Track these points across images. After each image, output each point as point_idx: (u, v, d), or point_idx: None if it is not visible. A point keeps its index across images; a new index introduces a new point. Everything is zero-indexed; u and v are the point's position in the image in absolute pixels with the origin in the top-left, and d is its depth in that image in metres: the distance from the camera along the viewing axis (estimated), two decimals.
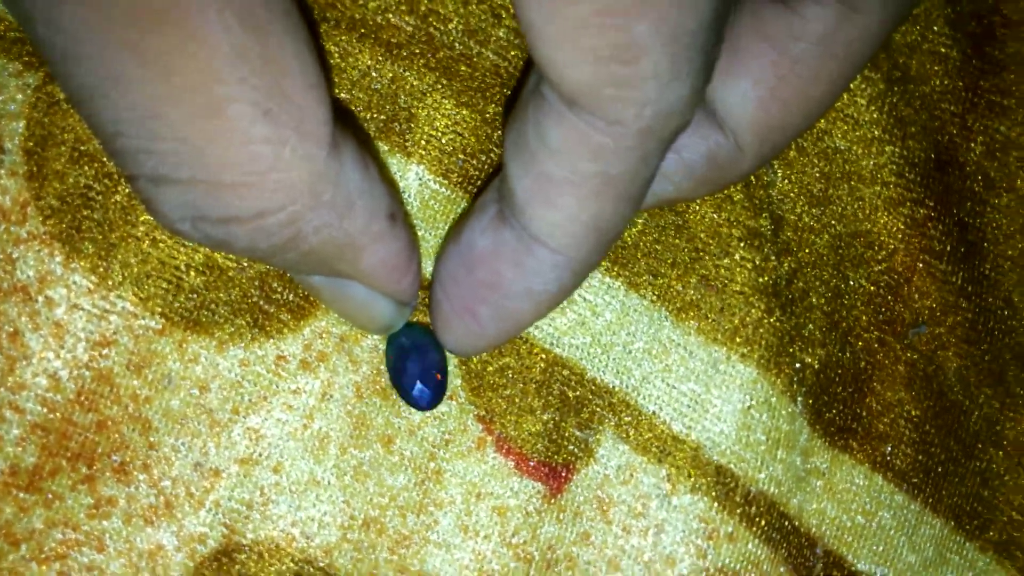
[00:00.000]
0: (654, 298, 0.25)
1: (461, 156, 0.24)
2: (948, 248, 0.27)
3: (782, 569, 0.25)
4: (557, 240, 0.20)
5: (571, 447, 0.25)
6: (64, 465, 0.22)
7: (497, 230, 0.21)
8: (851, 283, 0.27)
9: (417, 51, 0.24)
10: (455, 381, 0.24)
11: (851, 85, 0.27)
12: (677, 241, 0.25)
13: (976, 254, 0.28)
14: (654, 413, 0.25)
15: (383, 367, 0.24)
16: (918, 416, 0.27)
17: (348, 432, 0.24)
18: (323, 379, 0.23)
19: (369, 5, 0.24)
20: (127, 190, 0.23)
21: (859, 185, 0.27)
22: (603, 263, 0.25)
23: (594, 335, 0.25)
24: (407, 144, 0.24)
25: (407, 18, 0.24)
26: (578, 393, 0.25)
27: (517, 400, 0.24)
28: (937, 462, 0.27)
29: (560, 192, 0.19)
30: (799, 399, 0.26)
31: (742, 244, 0.25)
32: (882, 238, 0.27)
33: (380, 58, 0.24)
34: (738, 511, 0.25)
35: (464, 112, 0.24)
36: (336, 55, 0.24)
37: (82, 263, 0.22)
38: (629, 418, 0.25)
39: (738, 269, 0.25)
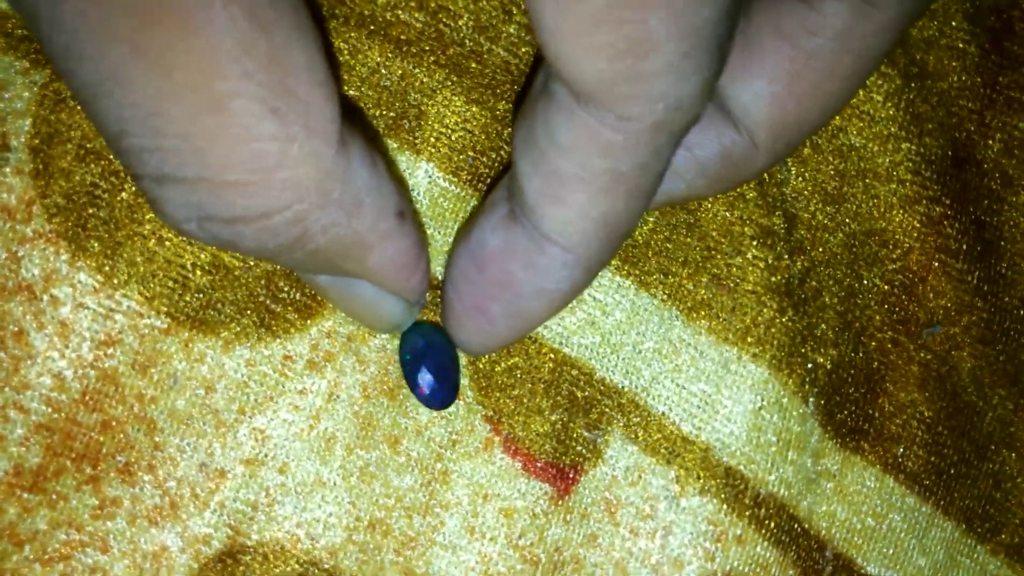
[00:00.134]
0: (665, 297, 0.25)
1: (471, 153, 0.24)
2: (964, 247, 0.27)
3: (791, 572, 0.25)
4: (568, 238, 0.20)
5: (579, 448, 0.25)
6: (68, 465, 0.23)
7: (508, 229, 0.21)
8: (865, 282, 0.27)
9: (427, 48, 0.24)
10: (462, 381, 0.24)
11: (867, 81, 0.27)
12: (689, 240, 0.25)
13: (992, 253, 0.28)
14: (663, 414, 0.25)
15: (390, 367, 0.24)
16: (931, 417, 0.27)
17: (354, 433, 0.24)
18: (330, 379, 0.24)
19: (378, 1, 0.24)
20: (133, 188, 0.23)
21: (874, 183, 0.27)
22: (613, 262, 0.25)
23: (604, 335, 0.25)
24: (416, 141, 0.24)
25: (417, 14, 0.24)
26: (587, 393, 0.25)
27: (525, 400, 0.24)
28: (949, 464, 0.27)
29: (570, 190, 0.19)
30: (811, 400, 0.26)
31: (755, 243, 0.25)
32: (897, 236, 0.27)
33: (390, 55, 0.24)
34: (747, 513, 0.25)
35: (474, 109, 0.24)
36: (345, 52, 0.24)
37: (88, 262, 0.23)
38: (638, 419, 0.25)
39: (750, 268, 0.25)
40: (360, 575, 0.24)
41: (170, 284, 0.23)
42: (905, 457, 0.27)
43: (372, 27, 0.24)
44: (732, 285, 0.25)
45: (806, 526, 0.26)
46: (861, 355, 0.27)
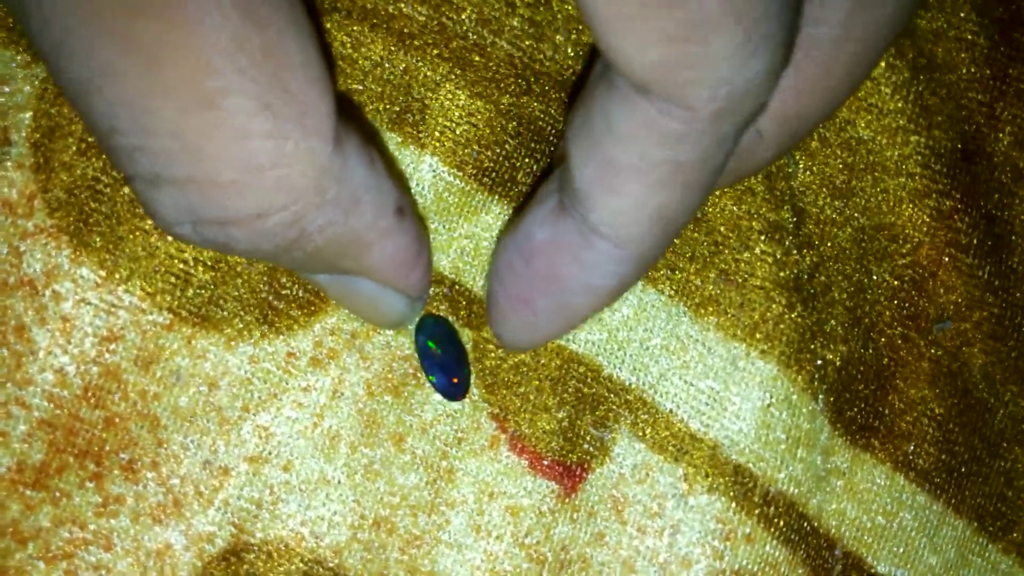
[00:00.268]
0: (672, 293, 0.25)
1: (475, 147, 0.24)
2: (975, 241, 0.27)
3: (800, 571, 0.25)
4: (619, 232, 0.19)
5: (586, 446, 0.24)
6: (71, 462, 0.22)
7: (556, 221, 0.20)
8: (874, 277, 0.26)
9: (430, 41, 0.24)
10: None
11: (875, 74, 0.26)
12: (696, 234, 0.25)
13: (1003, 247, 0.27)
14: (671, 411, 0.25)
15: (395, 364, 0.24)
16: (942, 414, 0.27)
17: (359, 430, 0.23)
18: (334, 376, 0.23)
19: (378, 3, 0.23)
20: None
21: (883, 176, 0.26)
22: None
23: (610, 331, 0.25)
24: (421, 135, 0.24)
25: (420, 8, 0.24)
26: (594, 390, 0.24)
27: (532, 397, 0.24)
28: (960, 461, 0.27)
29: (625, 180, 0.19)
30: (820, 397, 0.25)
31: (763, 237, 0.25)
32: (907, 231, 0.27)
33: (393, 48, 0.24)
34: (756, 511, 0.25)
35: (478, 103, 0.24)
36: (348, 46, 0.23)
37: (89, 257, 0.22)
38: (646, 416, 0.24)
39: (758, 263, 0.25)
40: (365, 573, 0.23)
41: (172, 280, 0.23)
42: (916, 455, 0.26)
43: (375, 20, 0.24)
44: (740, 280, 0.25)
45: (815, 524, 0.26)
46: (871, 351, 0.26)
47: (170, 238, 0.23)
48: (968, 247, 0.27)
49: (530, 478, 0.24)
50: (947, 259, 0.27)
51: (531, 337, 0.22)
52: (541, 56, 0.24)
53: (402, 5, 0.24)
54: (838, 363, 0.26)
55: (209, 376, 0.23)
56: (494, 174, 0.24)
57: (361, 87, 0.23)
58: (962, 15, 0.27)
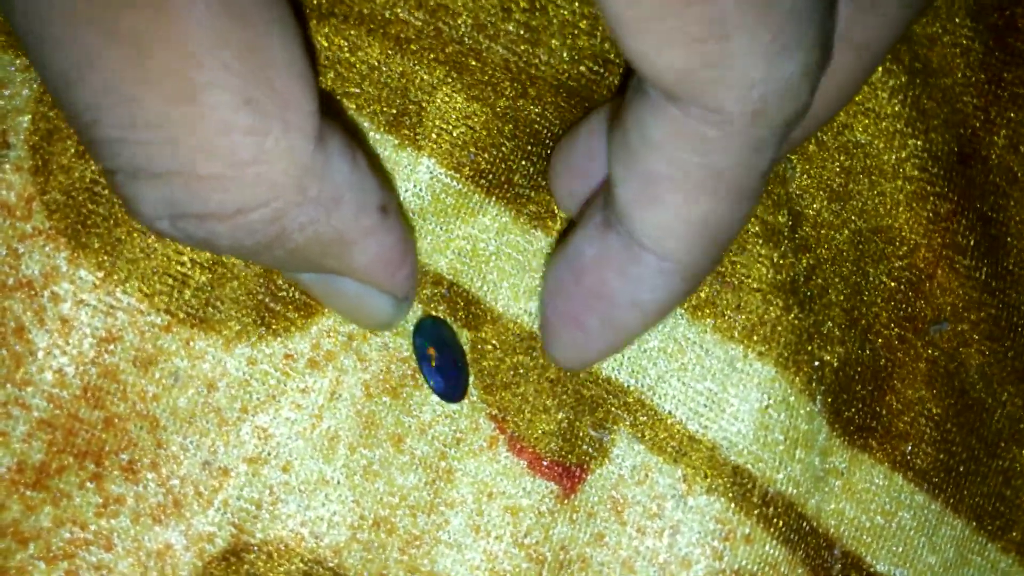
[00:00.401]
0: None
1: (473, 149, 0.23)
2: (971, 243, 0.26)
3: (800, 571, 0.24)
4: (663, 244, 0.18)
5: (585, 446, 0.23)
6: (71, 462, 0.21)
7: (603, 237, 0.19)
8: (871, 279, 0.25)
9: (426, 46, 0.23)
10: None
11: (872, 78, 0.25)
12: None
13: (999, 249, 0.26)
14: (670, 412, 0.23)
15: (393, 366, 0.22)
16: (939, 414, 0.25)
17: (358, 431, 0.22)
18: (331, 378, 0.22)
19: (378, 0, 0.22)
20: None
21: (880, 179, 0.25)
22: None
23: None
24: (418, 137, 0.23)
25: (416, 13, 0.23)
26: (593, 392, 0.23)
27: (531, 398, 0.23)
28: (958, 461, 0.26)
29: (664, 190, 0.17)
30: (818, 398, 0.24)
31: (759, 240, 0.24)
32: (904, 233, 0.25)
33: (390, 52, 0.22)
34: (755, 512, 0.23)
35: (475, 106, 0.23)
36: (345, 49, 0.22)
37: (87, 259, 0.21)
38: (644, 417, 0.23)
39: (755, 266, 0.24)
40: (364, 573, 0.22)
41: (170, 282, 0.22)
42: (914, 455, 0.25)
43: (371, 25, 0.22)
44: (737, 283, 0.24)
45: (814, 524, 0.24)
46: (868, 352, 0.25)
47: (167, 240, 0.22)
48: (965, 249, 0.26)
49: (529, 478, 0.23)
50: (944, 261, 0.26)
51: (582, 356, 0.21)
52: (537, 61, 0.23)
53: (398, 10, 0.22)
54: (836, 364, 0.25)
55: (207, 377, 0.22)
56: (491, 176, 0.23)
57: (358, 90, 0.22)
58: (957, 20, 0.26)
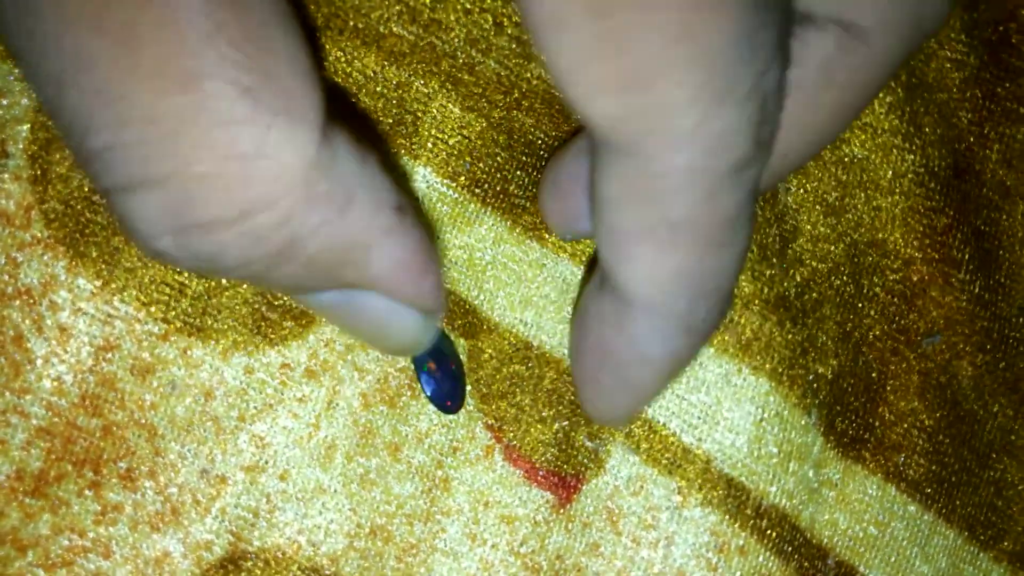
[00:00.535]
0: None
1: (468, 159, 0.22)
2: (966, 257, 0.25)
3: None
4: (649, 298, 0.16)
5: (581, 457, 0.22)
6: (70, 470, 0.20)
7: (600, 292, 0.18)
8: (866, 292, 0.24)
9: (420, 59, 0.22)
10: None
11: None
12: None
13: (991, 262, 0.25)
14: (664, 424, 0.22)
15: (390, 375, 0.22)
16: (931, 426, 0.24)
17: (354, 440, 0.21)
18: (328, 388, 0.21)
19: (372, 15, 0.21)
20: None
21: (876, 194, 0.24)
22: None
23: None
24: (414, 147, 0.22)
25: (410, 27, 0.22)
26: None
27: (527, 408, 0.22)
28: (951, 472, 0.25)
29: (632, 243, 0.16)
30: (813, 411, 0.23)
31: (753, 255, 0.23)
32: (899, 247, 0.24)
33: (385, 63, 0.22)
34: (749, 524, 0.22)
35: (470, 116, 0.22)
36: (342, 60, 0.21)
37: (85, 267, 0.20)
38: (639, 429, 0.22)
39: (750, 282, 0.23)
40: None
41: (167, 291, 0.21)
42: (906, 466, 0.24)
43: (367, 39, 0.22)
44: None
45: (808, 536, 0.23)
46: (861, 364, 0.24)
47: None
48: (960, 263, 0.25)
49: (525, 488, 0.22)
50: (939, 275, 0.25)
51: (612, 413, 0.19)
52: (528, 75, 0.22)
53: (392, 25, 0.21)
54: (830, 376, 0.24)
55: (205, 386, 0.21)
56: (487, 186, 0.22)
57: (354, 100, 0.21)
58: (952, 35, 0.25)
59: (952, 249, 0.25)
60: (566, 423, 0.22)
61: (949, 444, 0.25)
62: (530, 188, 0.22)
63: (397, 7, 0.21)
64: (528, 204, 0.22)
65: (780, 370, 0.23)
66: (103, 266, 0.20)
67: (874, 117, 0.24)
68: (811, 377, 0.23)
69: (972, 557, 0.25)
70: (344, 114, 0.21)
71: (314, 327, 0.21)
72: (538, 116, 0.22)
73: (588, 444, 0.22)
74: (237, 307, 0.21)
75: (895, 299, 0.25)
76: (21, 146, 0.20)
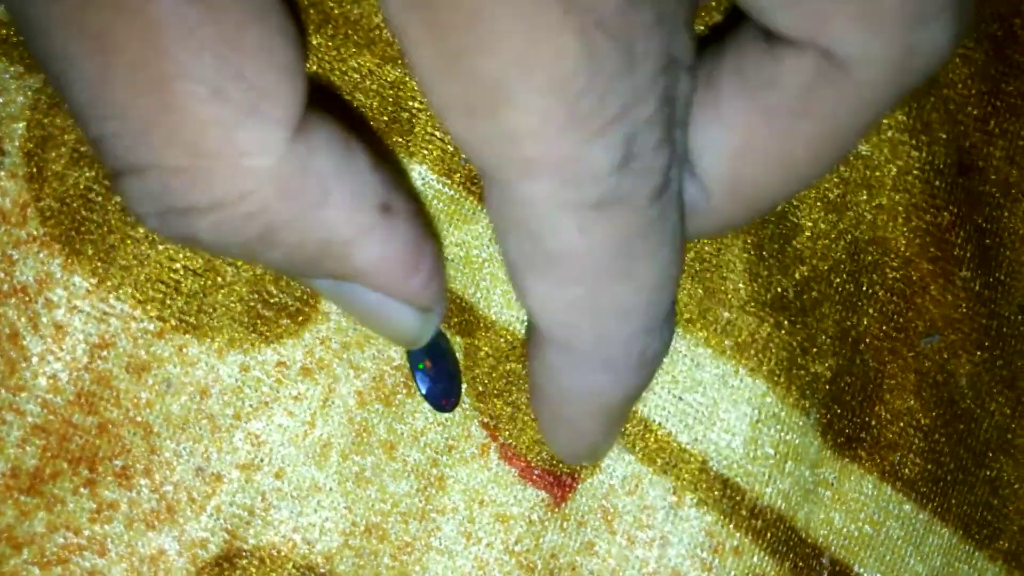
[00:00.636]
0: None
1: (463, 156, 0.22)
2: (968, 255, 0.25)
3: None
4: (547, 331, 0.16)
5: None
6: (65, 468, 0.20)
7: (532, 330, 0.17)
8: (865, 290, 0.24)
9: None
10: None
11: None
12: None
13: (991, 260, 0.25)
14: (660, 424, 0.22)
15: (386, 374, 0.21)
16: (928, 425, 0.24)
17: (350, 438, 0.21)
18: (324, 385, 0.21)
19: (366, 15, 0.21)
20: None
21: (879, 191, 0.24)
22: None
23: None
24: (409, 144, 0.21)
25: None
26: None
27: (523, 407, 0.22)
28: (946, 471, 0.24)
29: (521, 275, 0.16)
30: (811, 411, 0.23)
31: (749, 257, 0.23)
32: (900, 245, 0.24)
33: (380, 62, 0.21)
34: (744, 524, 0.22)
35: None
36: (337, 59, 0.21)
37: (81, 265, 0.20)
38: (635, 428, 0.22)
39: (744, 283, 0.23)
40: None
41: (163, 288, 0.21)
42: (902, 464, 0.24)
43: (361, 38, 0.21)
44: (728, 300, 0.23)
45: (803, 535, 0.23)
46: (859, 363, 0.24)
47: (161, 247, 0.20)
48: (962, 261, 0.25)
49: (520, 486, 0.22)
50: (940, 273, 0.25)
51: (564, 450, 0.19)
52: None
53: (385, 31, 0.21)
54: (828, 376, 0.24)
55: (200, 384, 0.21)
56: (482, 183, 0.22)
57: (350, 98, 0.21)
58: None
59: (954, 247, 0.25)
60: None
61: (945, 443, 0.24)
62: None
63: None
64: None
65: (778, 371, 0.23)
66: (99, 264, 0.20)
67: None
68: (809, 377, 0.23)
69: (967, 556, 0.25)
70: (338, 113, 0.21)
71: (310, 325, 0.21)
72: None
73: None
74: (233, 305, 0.21)
75: (895, 297, 0.24)
76: (17, 143, 0.20)
